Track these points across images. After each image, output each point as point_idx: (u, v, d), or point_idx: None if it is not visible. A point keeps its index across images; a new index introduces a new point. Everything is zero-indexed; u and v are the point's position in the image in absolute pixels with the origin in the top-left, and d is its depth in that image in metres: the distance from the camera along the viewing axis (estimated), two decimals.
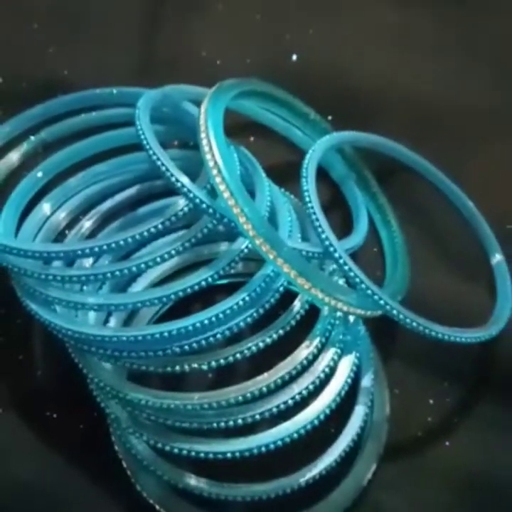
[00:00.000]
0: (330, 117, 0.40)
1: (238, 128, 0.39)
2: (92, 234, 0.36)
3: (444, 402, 0.35)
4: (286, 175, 0.37)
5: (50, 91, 0.38)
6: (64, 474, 0.32)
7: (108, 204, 0.36)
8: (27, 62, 0.39)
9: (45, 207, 0.35)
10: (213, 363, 0.30)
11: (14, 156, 0.37)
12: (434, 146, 0.39)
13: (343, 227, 0.37)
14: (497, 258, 0.37)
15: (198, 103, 0.36)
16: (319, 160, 0.34)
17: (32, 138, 0.37)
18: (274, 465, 0.31)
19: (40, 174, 0.36)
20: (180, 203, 0.32)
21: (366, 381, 0.33)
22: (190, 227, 0.33)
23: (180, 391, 0.30)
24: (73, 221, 0.36)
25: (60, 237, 0.36)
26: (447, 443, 0.34)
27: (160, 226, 0.32)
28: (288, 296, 0.32)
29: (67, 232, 0.36)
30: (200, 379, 0.32)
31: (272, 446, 0.30)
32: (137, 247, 0.33)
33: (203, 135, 0.32)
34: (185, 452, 0.30)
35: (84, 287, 0.33)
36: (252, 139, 0.39)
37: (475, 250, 0.38)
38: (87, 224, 0.36)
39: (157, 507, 0.31)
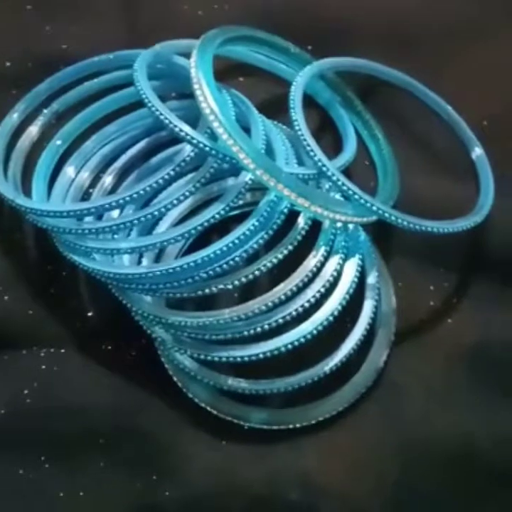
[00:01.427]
0: (310, 47, 0.43)
1: (227, 71, 0.42)
2: (114, 188, 0.40)
3: (443, 286, 0.39)
4: (276, 108, 0.41)
5: (53, 66, 0.41)
6: (125, 394, 0.37)
7: (123, 159, 0.40)
8: (29, 43, 0.42)
9: (68, 170, 0.40)
10: (236, 282, 0.35)
11: (33, 130, 0.41)
12: (411, 60, 0.42)
13: (335, 147, 0.41)
14: (477, 152, 0.41)
15: (187, 55, 0.40)
16: (304, 89, 0.38)
17: (45, 111, 0.41)
18: (301, 359, 0.36)
19: (59, 142, 0.40)
20: (187, 149, 0.36)
21: (371, 279, 0.38)
22: (198, 170, 0.37)
23: (212, 310, 0.35)
24: (95, 179, 0.40)
25: (86, 195, 0.40)
26: (450, 321, 0.39)
27: (172, 173, 0.36)
28: (292, 216, 0.36)
29: (91, 190, 0.40)
30: (227, 298, 0.37)
31: (296, 343, 0.35)
32: (155, 193, 0.38)
33: (196, 86, 0.36)
34: (224, 359, 0.35)
35: (116, 235, 0.38)
36: (241, 79, 0.43)
37: (457, 150, 0.42)
38: (107, 180, 0.40)
39: (208, 408, 0.36)
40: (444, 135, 0.42)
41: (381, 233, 0.39)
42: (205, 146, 0.35)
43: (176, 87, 0.41)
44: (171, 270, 0.34)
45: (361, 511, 0.36)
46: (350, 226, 0.37)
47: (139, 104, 0.40)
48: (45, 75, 0.41)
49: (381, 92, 0.43)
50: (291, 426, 0.36)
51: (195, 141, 0.35)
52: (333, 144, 0.41)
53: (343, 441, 0.37)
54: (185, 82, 0.40)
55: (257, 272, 0.35)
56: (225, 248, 0.34)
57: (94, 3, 0.45)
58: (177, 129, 0.36)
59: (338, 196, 0.37)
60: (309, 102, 0.41)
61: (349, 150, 0.39)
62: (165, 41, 0.41)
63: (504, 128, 0.42)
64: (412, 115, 0.43)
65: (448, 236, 0.38)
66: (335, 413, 0.37)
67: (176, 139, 0.40)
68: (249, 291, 0.36)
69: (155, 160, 0.40)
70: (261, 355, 0.35)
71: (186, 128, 0.36)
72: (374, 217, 0.37)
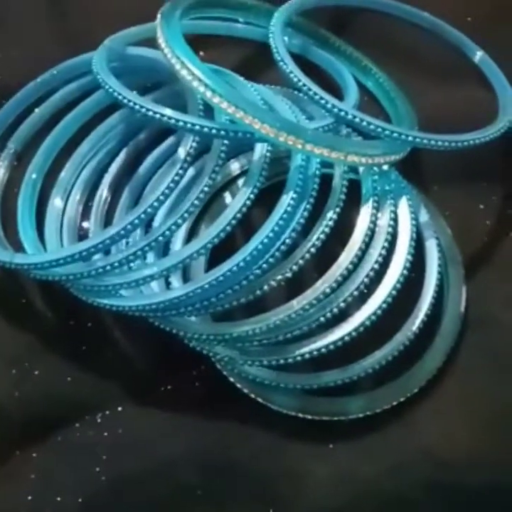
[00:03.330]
0: None
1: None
2: (109, 212, 0.35)
3: (493, 200, 0.36)
4: (255, 71, 0.37)
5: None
6: (206, 432, 0.32)
7: (108, 178, 0.35)
8: None
9: (55, 203, 0.35)
10: (294, 267, 0.30)
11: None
12: None
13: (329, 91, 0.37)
14: (478, 55, 0.38)
15: (141, 44, 0.35)
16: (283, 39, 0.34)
17: (2, 154, 0.36)
18: (383, 330, 0.32)
19: (34, 176, 0.35)
20: (185, 144, 0.31)
21: (423, 217, 0.34)
22: (200, 161, 0.32)
23: (268, 310, 0.31)
24: (86, 208, 0.35)
25: (81, 231, 0.35)
26: None
27: (175, 179, 0.31)
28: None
29: (85, 220, 0.35)
30: (273, 296, 0.32)
31: (379, 312, 0.31)
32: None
33: (177, 65, 0.31)
34: (307, 355, 0.31)
35: (132, 264, 0.33)
36: (202, 53, 0.38)
37: (453, 57, 0.38)
38: (100, 205, 0.35)
39: (300, 415, 0.32)
40: (438, 48, 0.38)
41: (410, 168, 0.36)
42: (210, 127, 0.30)
43: (137, 82, 0.37)
44: (220, 279, 0.30)
45: (498, 466, 0.32)
46: (385, 167, 0.33)
47: (104, 112, 0.35)
48: None
49: (353, 22, 0.39)
50: (394, 403, 0.32)
51: (197, 127, 0.30)
52: (326, 89, 0.37)
53: (455, 399, 0.33)
54: (146, 72, 0.35)
55: (312, 249, 0.30)
56: (271, 234, 0.30)
57: (11, 22, 0.39)
58: (172, 120, 0.31)
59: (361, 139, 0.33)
60: None
61: (351, 88, 0.35)
62: (104, 37, 0.35)
63: (490, 19, 0.39)
64: (396, 36, 0.39)
65: (483, 147, 0.34)
66: (435, 372, 0.33)
67: (156, 139, 0.35)
68: (298, 280, 0.31)
69: (143, 168, 0.35)
70: (346, 338, 0.30)
71: (182, 116, 0.31)
72: (408, 150, 0.33)
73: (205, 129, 0.30)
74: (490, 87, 0.37)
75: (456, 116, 0.37)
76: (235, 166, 0.35)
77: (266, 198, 0.32)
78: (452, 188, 0.36)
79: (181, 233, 0.34)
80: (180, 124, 0.30)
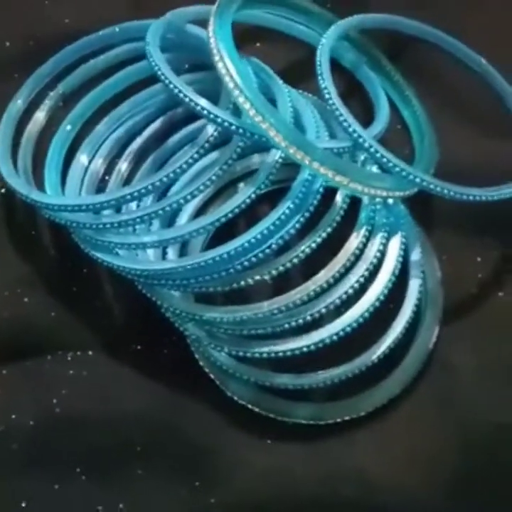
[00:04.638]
0: (329, 5, 0.40)
1: (243, 37, 0.39)
2: (131, 174, 0.37)
3: (491, 256, 0.37)
4: (300, 74, 0.38)
5: (56, 43, 0.38)
6: (160, 396, 0.34)
7: (138, 142, 0.37)
8: (29, 20, 0.39)
9: (81, 158, 0.37)
10: (273, 272, 0.32)
11: (40, 116, 0.38)
12: (434, 10, 0.39)
13: (365, 113, 0.38)
14: None
15: (200, 23, 0.37)
16: (328, 53, 0.35)
17: (51, 93, 0.38)
18: (346, 348, 0.34)
19: (68, 127, 0.37)
20: (208, 127, 0.33)
21: (415, 255, 0.35)
22: (221, 149, 0.34)
23: (247, 303, 0.32)
24: (110, 165, 0.37)
25: (101, 183, 0.37)
26: (500, 294, 0.36)
27: (194, 156, 0.33)
28: (327, 196, 0.33)
29: (107, 177, 0.37)
30: (261, 289, 0.34)
31: (341, 333, 0.32)
32: (176, 179, 0.35)
33: (216, 57, 0.32)
34: (265, 355, 0.33)
35: (136, 228, 0.35)
36: (258, 45, 0.40)
37: (495, 105, 0.39)
38: (123, 166, 0.37)
39: (249, 406, 0.34)
40: (480, 91, 0.39)
41: (419, 204, 0.37)
42: (230, 123, 0.32)
43: (189, 59, 0.38)
44: (202, 263, 0.32)
45: (421, 502, 0.33)
46: (390, 200, 0.34)
47: (151, 79, 0.37)
48: (48, 54, 0.38)
49: (408, 49, 0.40)
50: (339, 420, 0.34)
51: (219, 120, 0.32)
52: (362, 110, 0.38)
53: (397, 430, 0.34)
54: (199, 52, 0.37)
55: (295, 260, 0.32)
56: (259, 236, 0.31)
57: None
58: (198, 107, 0.33)
59: (375, 169, 0.34)
60: (333, 64, 0.38)
61: (382, 116, 0.36)
62: (174, 9, 0.37)
63: None
64: (443, 72, 0.40)
65: (494, 203, 0.35)
66: (386, 402, 0.34)
67: (193, 116, 0.37)
68: (286, 280, 0.33)
69: (172, 140, 0.37)
70: (304, 349, 0.32)
71: (207, 104, 0.33)
72: (415, 189, 0.34)
73: (226, 123, 0.32)
74: None
75: (479, 165, 0.38)
76: (255, 160, 0.37)
77: (275, 199, 0.34)
78: (455, 234, 0.37)
79: (189, 211, 0.36)
80: (204, 112, 0.32)
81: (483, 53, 0.39)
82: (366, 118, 0.37)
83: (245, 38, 0.39)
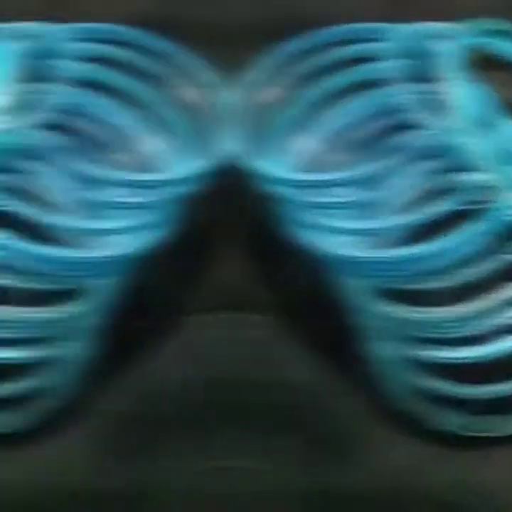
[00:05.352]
0: None
1: (478, 62, 0.39)
2: (345, 161, 0.40)
3: None
4: None
5: (301, 27, 0.40)
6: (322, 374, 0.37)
7: (358, 135, 0.40)
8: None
9: (303, 139, 0.40)
10: (456, 281, 0.33)
11: (275, 91, 0.40)
12: None
13: None
14: None
15: (438, 39, 0.38)
16: None
17: (290, 71, 0.41)
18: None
19: (297, 107, 0.40)
20: (423, 137, 0.35)
21: None
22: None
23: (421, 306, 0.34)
24: (328, 151, 0.40)
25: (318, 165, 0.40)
26: None
27: (408, 157, 0.35)
28: None
29: (321, 162, 0.39)
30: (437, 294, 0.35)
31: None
32: (383, 176, 0.37)
33: (443, 75, 0.34)
34: (432, 358, 0.34)
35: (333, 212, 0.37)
36: (493, 73, 0.40)
37: None
38: (339, 154, 0.40)
39: (403, 406, 0.36)
40: None
41: None
42: (443, 140, 0.34)
43: (419, 70, 0.39)
44: (394, 259, 0.33)
45: None
46: None
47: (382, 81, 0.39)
48: (293, 35, 0.40)
49: None
50: (484, 434, 0.35)
51: (434, 134, 0.34)
52: None
53: None
54: (430, 65, 0.38)
55: (483, 273, 0.33)
56: (451, 246, 0.33)
57: None
58: (417, 118, 0.34)
59: None
60: None
61: None
62: (421, 20, 0.38)
63: None
64: None
65: None
66: None
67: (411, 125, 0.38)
68: (461, 291, 0.34)
69: (391, 141, 0.39)
70: (469, 360, 0.33)
71: (425, 118, 0.34)
72: None
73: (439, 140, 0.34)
74: None
75: None
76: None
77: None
78: None
79: (390, 206, 0.38)
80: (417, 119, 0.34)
81: None
82: None
83: (481, 62, 0.39)
